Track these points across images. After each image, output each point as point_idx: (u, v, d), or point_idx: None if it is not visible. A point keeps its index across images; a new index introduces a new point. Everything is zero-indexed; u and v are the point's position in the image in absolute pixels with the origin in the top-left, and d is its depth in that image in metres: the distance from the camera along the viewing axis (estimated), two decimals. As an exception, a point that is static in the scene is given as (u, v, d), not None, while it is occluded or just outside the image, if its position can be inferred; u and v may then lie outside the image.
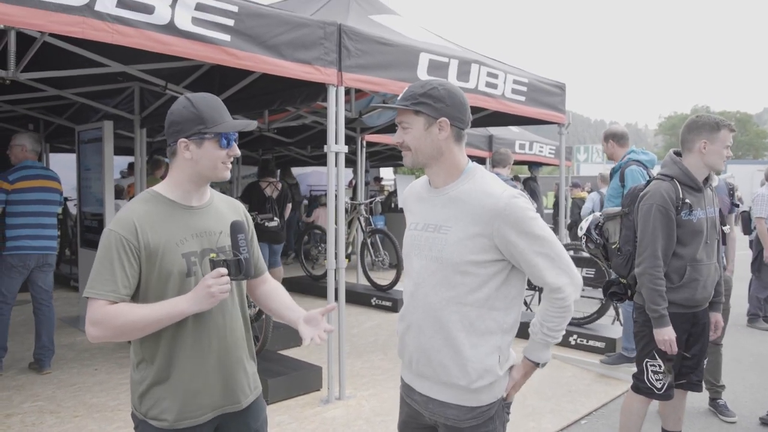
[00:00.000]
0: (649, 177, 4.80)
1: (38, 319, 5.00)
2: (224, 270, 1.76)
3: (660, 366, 3.14)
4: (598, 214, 3.55)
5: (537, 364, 1.92)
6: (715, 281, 3.21)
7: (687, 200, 3.04)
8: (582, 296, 6.03)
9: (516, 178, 12.68)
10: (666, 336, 3.04)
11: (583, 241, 3.53)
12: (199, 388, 1.85)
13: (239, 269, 1.81)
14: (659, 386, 3.16)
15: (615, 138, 5.19)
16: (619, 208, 3.44)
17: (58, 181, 5.20)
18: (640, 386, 3.25)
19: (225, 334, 1.90)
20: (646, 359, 3.19)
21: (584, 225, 3.55)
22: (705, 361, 3.37)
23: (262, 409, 2.07)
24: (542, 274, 1.82)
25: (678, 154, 3.21)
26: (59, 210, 5.14)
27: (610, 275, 5.71)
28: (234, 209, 2.05)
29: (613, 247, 3.39)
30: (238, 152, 1.92)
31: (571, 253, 6.55)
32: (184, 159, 1.85)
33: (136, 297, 1.82)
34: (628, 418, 3.35)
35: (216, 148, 1.85)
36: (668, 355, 3.11)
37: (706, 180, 3.17)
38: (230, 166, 1.91)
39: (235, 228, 1.84)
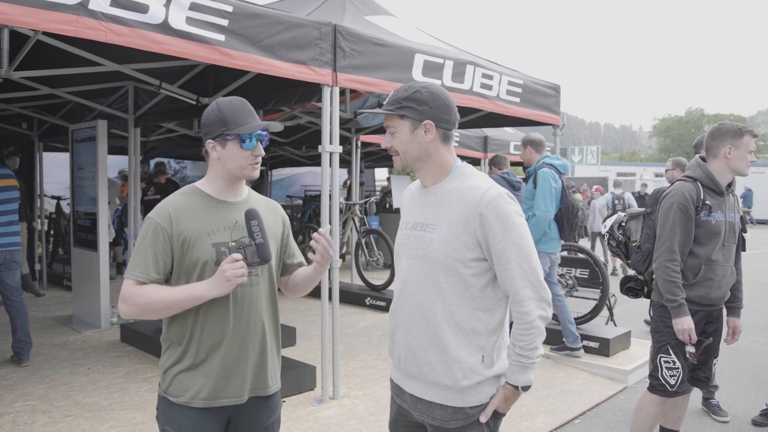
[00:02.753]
0: (562, 181, 5.17)
1: (11, 316, 5.16)
2: (238, 255, 1.85)
3: (674, 362, 3.21)
4: (622, 213, 3.68)
5: (517, 388, 1.86)
6: (730, 283, 3.30)
7: (707, 202, 3.16)
8: (576, 296, 6.10)
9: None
10: (685, 325, 3.12)
11: (606, 238, 3.66)
12: (217, 372, 1.92)
13: (255, 254, 1.88)
14: (673, 382, 3.22)
15: (533, 144, 5.47)
16: (642, 209, 3.57)
17: (14, 178, 5.35)
18: (654, 384, 3.31)
19: (248, 323, 1.97)
20: (660, 354, 3.27)
21: (608, 223, 3.69)
22: (715, 361, 3.43)
23: (277, 406, 2.13)
24: (512, 280, 1.81)
25: (703, 159, 3.31)
26: (17, 206, 5.30)
27: (604, 276, 5.75)
28: (271, 209, 2.14)
29: (634, 245, 3.51)
30: (262, 152, 2.00)
31: (565, 253, 6.57)
32: (213, 159, 1.98)
33: (170, 280, 1.94)
34: (639, 418, 3.41)
35: (237, 148, 1.94)
36: (683, 349, 3.19)
37: (729, 186, 3.26)
38: (257, 165, 2.00)
39: (249, 215, 1.92)
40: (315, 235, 2.03)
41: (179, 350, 1.92)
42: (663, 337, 3.25)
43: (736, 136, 3.16)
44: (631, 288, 3.53)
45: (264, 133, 1.98)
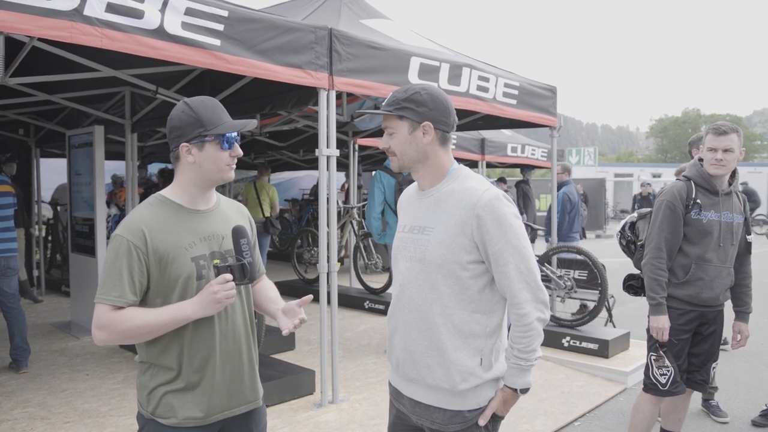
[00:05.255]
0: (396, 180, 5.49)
1: (9, 323, 5.17)
2: (229, 276, 1.79)
3: (663, 361, 3.24)
4: (635, 214, 3.75)
5: (516, 391, 1.86)
6: (725, 285, 3.29)
7: (698, 200, 3.18)
8: (574, 298, 6.10)
9: (502, 180, 12.68)
10: (660, 324, 3.18)
11: (618, 237, 3.74)
12: (207, 390, 1.86)
13: (243, 274, 1.83)
14: (663, 381, 3.25)
15: None
16: (649, 209, 3.61)
17: (9, 184, 5.38)
18: (646, 383, 3.35)
19: (232, 336, 1.92)
20: (651, 353, 3.31)
21: (621, 222, 3.77)
22: (715, 364, 3.43)
23: (263, 414, 2.09)
24: (510, 282, 1.81)
25: (701, 159, 3.34)
26: (12, 212, 5.35)
27: (602, 277, 5.75)
28: (239, 213, 2.07)
29: (639, 243, 3.57)
30: (240, 152, 1.93)
31: (563, 254, 6.57)
32: (187, 163, 1.87)
33: (145, 300, 1.83)
34: (636, 417, 3.43)
35: (217, 150, 1.86)
36: (674, 349, 3.22)
37: (730, 185, 3.27)
38: (234, 166, 1.93)
39: (237, 233, 1.85)
40: (300, 318, 1.92)
41: (170, 374, 1.84)
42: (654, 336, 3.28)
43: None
44: (631, 286, 3.56)
45: (236, 134, 1.91)
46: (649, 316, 3.24)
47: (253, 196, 9.22)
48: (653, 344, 3.29)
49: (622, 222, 3.73)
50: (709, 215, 3.18)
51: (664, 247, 3.19)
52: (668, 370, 3.23)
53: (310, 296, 1.99)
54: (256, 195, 9.17)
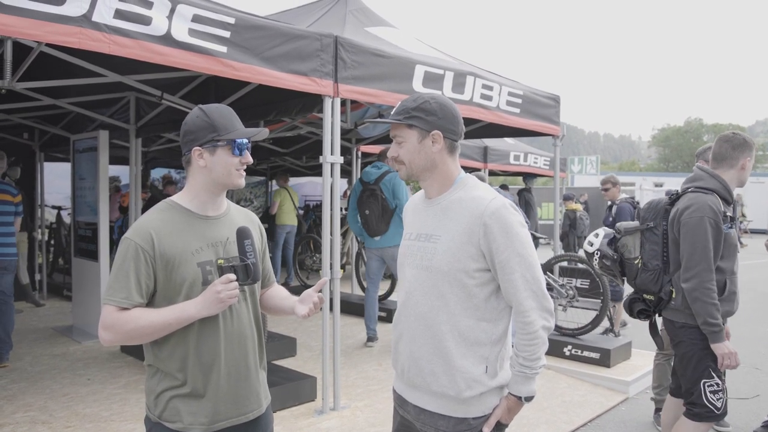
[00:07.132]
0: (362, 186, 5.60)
1: None
2: (233, 276, 1.81)
3: (717, 384, 3.05)
4: (612, 230, 3.49)
5: (520, 398, 1.87)
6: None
7: (728, 213, 3.07)
8: (576, 307, 6.09)
9: (504, 187, 12.67)
10: (728, 349, 2.97)
11: (597, 256, 3.44)
12: (212, 396, 1.87)
13: (247, 274, 1.84)
14: (719, 405, 3.06)
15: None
16: (635, 223, 3.39)
17: (11, 194, 5.61)
18: (698, 412, 3.09)
19: (238, 342, 1.92)
20: (704, 380, 3.07)
21: (596, 240, 3.46)
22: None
23: (270, 420, 2.09)
24: (515, 290, 1.82)
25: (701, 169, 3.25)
26: (12, 219, 5.61)
27: (604, 286, 5.75)
28: (249, 221, 2.08)
29: (636, 262, 3.34)
30: (250, 160, 1.95)
31: (565, 263, 6.57)
32: (198, 167, 1.89)
33: (152, 303, 1.85)
34: None
35: (228, 155, 1.88)
36: (722, 370, 3.06)
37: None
38: (244, 173, 1.95)
39: (241, 234, 1.87)
40: (318, 296, 1.98)
41: (177, 379, 1.85)
42: (703, 361, 3.06)
43: (752, 150, 3.18)
44: (643, 311, 3.33)
45: (247, 141, 1.93)
46: (712, 345, 2.98)
47: (288, 201, 9.55)
48: (705, 370, 3.05)
49: (598, 240, 3.45)
50: (733, 228, 3.13)
51: (713, 267, 2.98)
52: (723, 394, 3.05)
53: (326, 279, 2.02)
54: (292, 200, 9.48)
